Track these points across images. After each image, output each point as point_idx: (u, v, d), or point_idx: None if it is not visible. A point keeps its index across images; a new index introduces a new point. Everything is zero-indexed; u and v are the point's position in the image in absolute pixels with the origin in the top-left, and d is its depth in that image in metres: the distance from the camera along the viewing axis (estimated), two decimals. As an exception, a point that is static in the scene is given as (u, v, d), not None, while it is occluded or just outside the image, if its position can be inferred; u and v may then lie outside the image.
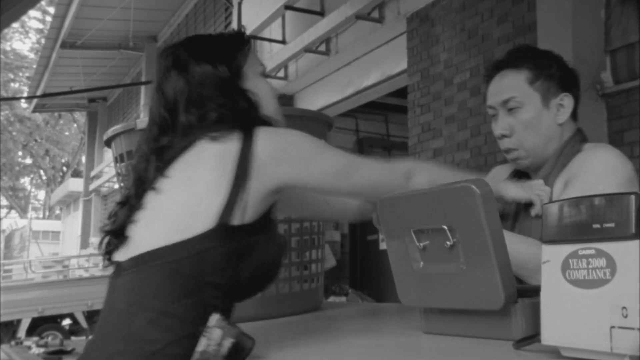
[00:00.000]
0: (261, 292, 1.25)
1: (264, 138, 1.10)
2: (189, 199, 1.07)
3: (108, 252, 1.11)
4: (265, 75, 1.27)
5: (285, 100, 7.40)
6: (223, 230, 1.04)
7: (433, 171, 1.25)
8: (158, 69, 1.21)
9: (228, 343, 0.97)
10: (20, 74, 23.38)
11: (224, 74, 1.17)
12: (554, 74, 1.44)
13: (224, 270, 1.04)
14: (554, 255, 0.84)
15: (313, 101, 7.09)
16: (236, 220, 1.06)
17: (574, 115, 1.48)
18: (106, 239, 1.12)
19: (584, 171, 1.36)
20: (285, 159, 1.11)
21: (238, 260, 1.06)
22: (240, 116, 1.14)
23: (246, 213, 1.07)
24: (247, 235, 1.07)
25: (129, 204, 1.13)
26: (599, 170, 1.33)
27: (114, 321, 1.03)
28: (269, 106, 1.23)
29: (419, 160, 1.22)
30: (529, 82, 1.42)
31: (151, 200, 1.10)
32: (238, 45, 1.22)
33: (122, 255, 1.08)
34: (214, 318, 0.99)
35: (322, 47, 6.31)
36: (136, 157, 1.20)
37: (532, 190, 1.32)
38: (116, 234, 1.11)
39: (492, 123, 1.49)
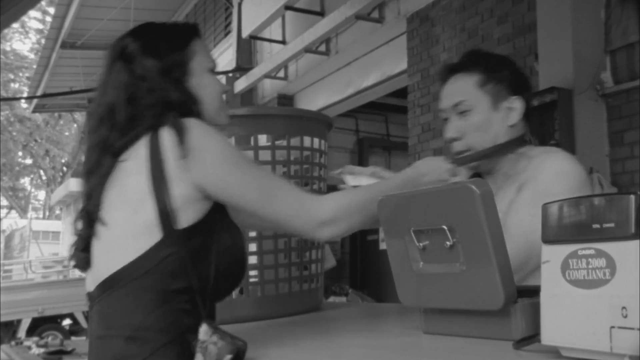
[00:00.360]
0: (239, 290, 1.26)
1: (168, 138, 1.06)
2: (129, 216, 1.07)
3: (77, 267, 1.15)
4: (214, 71, 1.25)
5: (285, 100, 7.40)
6: (171, 237, 1.04)
7: (359, 209, 1.17)
8: (105, 60, 1.20)
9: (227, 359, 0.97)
10: (20, 74, 23.38)
11: (166, 68, 1.15)
12: (504, 77, 1.46)
13: (185, 275, 1.04)
14: (553, 255, 0.84)
15: (313, 101, 7.09)
16: (181, 223, 1.05)
17: (527, 118, 1.50)
18: (74, 257, 1.16)
19: (537, 176, 1.38)
20: (198, 160, 1.06)
21: (197, 262, 1.05)
22: (165, 113, 1.11)
23: (188, 215, 1.06)
24: (198, 234, 1.06)
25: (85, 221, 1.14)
26: (551, 174, 1.35)
27: (97, 349, 1.07)
28: (211, 104, 1.21)
29: (354, 195, 1.21)
30: (479, 85, 1.45)
31: (99, 228, 1.10)
32: (188, 38, 1.21)
33: (89, 284, 1.11)
34: (203, 330, 0.99)
35: (322, 47, 6.31)
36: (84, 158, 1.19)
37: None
38: (82, 250, 1.14)
39: (444, 127, 1.51)
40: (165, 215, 1.04)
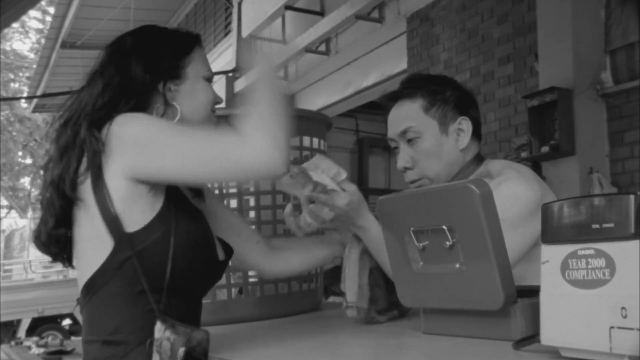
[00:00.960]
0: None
1: (107, 132, 1.06)
2: (84, 225, 1.08)
3: (52, 252, 1.15)
4: (210, 80, 1.25)
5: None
6: (123, 242, 1.04)
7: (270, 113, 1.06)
8: (101, 56, 1.20)
9: (181, 353, 0.97)
10: (20, 74, 23.37)
11: (154, 73, 1.15)
12: (448, 98, 1.43)
13: (148, 275, 1.04)
14: (553, 255, 0.84)
15: (313, 101, 7.09)
16: (132, 225, 1.05)
17: (477, 135, 1.46)
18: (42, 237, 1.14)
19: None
20: (118, 150, 1.05)
21: (157, 261, 1.05)
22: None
23: (137, 216, 1.05)
24: (154, 232, 1.06)
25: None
26: (503, 199, 1.25)
27: (83, 353, 1.10)
28: (199, 111, 1.21)
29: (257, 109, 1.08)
30: (424, 110, 1.42)
31: (74, 230, 1.11)
32: (187, 45, 1.21)
33: (79, 289, 1.12)
34: (157, 328, 0.99)
35: (322, 47, 6.31)
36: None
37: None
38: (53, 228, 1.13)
39: (395, 156, 1.48)
40: (112, 221, 1.04)
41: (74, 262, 1.15)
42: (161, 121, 1.12)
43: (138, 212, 1.05)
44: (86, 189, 1.07)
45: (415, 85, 1.45)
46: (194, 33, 1.26)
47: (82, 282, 1.10)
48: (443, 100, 1.42)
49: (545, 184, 1.43)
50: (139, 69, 1.14)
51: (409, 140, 1.42)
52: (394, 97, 1.46)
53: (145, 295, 1.04)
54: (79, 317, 1.20)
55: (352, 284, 1.34)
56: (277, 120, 1.05)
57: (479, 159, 1.45)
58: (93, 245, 1.07)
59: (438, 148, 1.41)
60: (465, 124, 1.43)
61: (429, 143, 1.41)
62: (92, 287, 1.07)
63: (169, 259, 1.05)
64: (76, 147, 1.09)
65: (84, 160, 1.07)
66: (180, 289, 1.08)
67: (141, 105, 1.13)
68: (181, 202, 1.13)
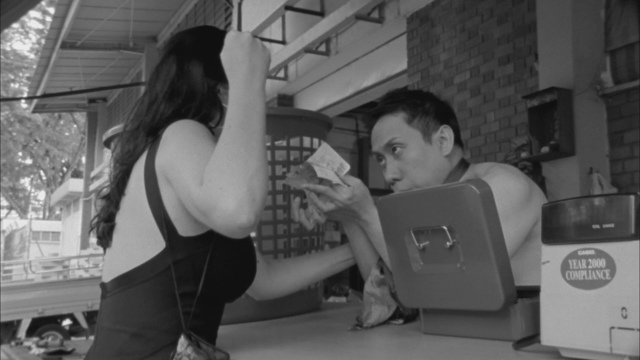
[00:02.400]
0: (245, 292, 1.24)
1: (162, 141, 1.06)
2: (134, 221, 1.09)
3: (100, 237, 1.16)
4: None
5: (285, 100, 7.40)
6: (175, 245, 1.05)
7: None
8: (162, 51, 1.22)
9: None
10: (20, 74, 23.38)
11: (211, 75, 1.15)
12: (428, 109, 1.48)
13: (192, 280, 1.05)
14: (553, 255, 0.84)
15: (313, 101, 7.09)
16: (185, 231, 1.05)
17: (458, 143, 1.52)
18: (99, 226, 1.16)
19: None
20: (161, 150, 1.05)
21: (203, 267, 1.06)
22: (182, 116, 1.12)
23: (189, 224, 1.05)
24: (204, 241, 1.06)
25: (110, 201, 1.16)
26: (495, 193, 1.32)
27: (103, 340, 1.09)
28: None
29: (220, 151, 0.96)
30: (407, 122, 1.47)
31: (118, 220, 1.13)
32: None
33: (106, 276, 1.13)
34: (180, 342, 0.99)
35: (322, 48, 6.31)
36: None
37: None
38: (106, 220, 1.15)
39: (383, 171, 1.51)
40: (164, 224, 1.05)
41: (109, 250, 1.14)
42: (197, 135, 1.05)
43: (192, 220, 1.05)
44: (139, 179, 1.08)
45: (396, 100, 1.50)
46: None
47: (117, 272, 1.09)
48: (424, 111, 1.48)
49: (531, 180, 1.46)
50: (199, 71, 1.15)
51: (395, 152, 1.47)
52: (376, 114, 1.52)
53: (186, 297, 1.05)
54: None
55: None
56: (250, 162, 0.93)
57: (464, 164, 1.51)
58: (141, 240, 1.07)
59: (423, 157, 1.45)
60: (447, 132, 1.48)
61: (414, 152, 1.45)
62: (132, 278, 1.07)
63: (220, 267, 1.07)
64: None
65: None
66: (215, 297, 1.10)
67: (202, 109, 1.15)
68: None
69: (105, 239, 1.15)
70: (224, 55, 1.07)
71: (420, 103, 1.49)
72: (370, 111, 1.54)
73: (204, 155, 0.98)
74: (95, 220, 1.18)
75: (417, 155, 1.45)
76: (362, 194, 1.38)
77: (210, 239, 1.06)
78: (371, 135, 1.53)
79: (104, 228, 1.15)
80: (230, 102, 1.01)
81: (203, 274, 1.06)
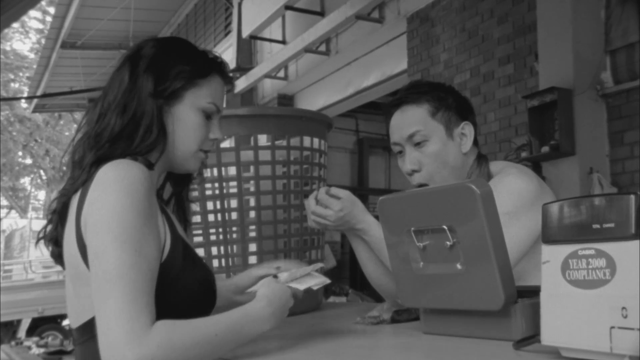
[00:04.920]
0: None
1: (94, 183, 1.00)
2: (74, 268, 1.04)
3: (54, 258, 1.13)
4: (208, 115, 1.14)
5: (285, 100, 7.40)
6: None
7: (193, 345, 0.94)
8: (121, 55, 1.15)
9: None
10: (20, 74, 23.37)
11: (159, 94, 1.09)
12: (451, 104, 1.46)
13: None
14: (553, 255, 0.84)
15: (313, 101, 7.09)
16: None
17: (475, 140, 1.50)
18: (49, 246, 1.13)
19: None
20: (90, 214, 0.99)
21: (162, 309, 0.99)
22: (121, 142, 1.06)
23: None
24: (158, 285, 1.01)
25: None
26: (504, 194, 1.31)
27: None
28: (185, 145, 1.13)
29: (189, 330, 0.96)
30: (431, 115, 1.44)
31: (65, 259, 1.08)
32: (202, 69, 1.13)
33: (71, 319, 1.08)
34: None
35: (322, 47, 6.31)
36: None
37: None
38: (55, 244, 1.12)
39: (398, 160, 1.49)
40: None
41: (67, 290, 1.09)
42: (128, 216, 0.97)
43: None
44: (72, 219, 1.05)
45: (419, 90, 1.47)
46: (219, 60, 1.18)
47: (80, 318, 1.04)
48: (447, 105, 1.45)
49: (543, 182, 1.45)
50: (149, 88, 1.09)
51: (416, 144, 1.44)
52: (397, 103, 1.47)
53: None
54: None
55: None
56: (194, 351, 0.93)
57: (483, 159, 1.49)
58: (85, 291, 1.01)
59: (444, 152, 1.43)
60: (467, 129, 1.47)
61: (436, 146, 1.43)
62: (90, 328, 0.99)
63: (174, 307, 1.02)
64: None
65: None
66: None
67: (135, 120, 1.08)
68: (185, 249, 1.10)
69: (58, 260, 1.11)
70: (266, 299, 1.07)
71: (444, 96, 1.46)
72: (393, 100, 1.49)
73: (138, 277, 0.93)
74: (42, 234, 1.12)
75: (439, 149, 1.43)
76: (352, 203, 1.40)
77: (165, 280, 1.01)
78: (390, 124, 1.49)
79: (54, 251, 1.11)
80: (239, 316, 1.03)
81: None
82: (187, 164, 1.15)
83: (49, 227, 1.12)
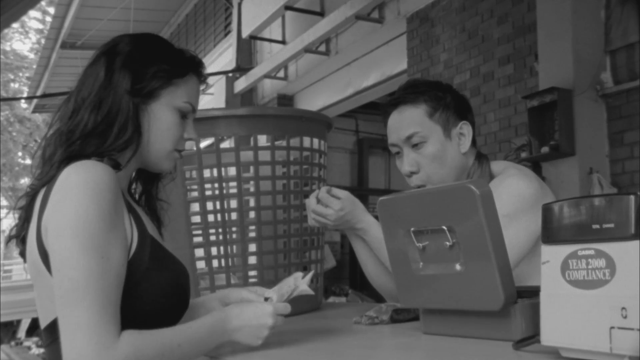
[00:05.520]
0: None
1: (57, 182, 0.99)
2: (35, 270, 1.02)
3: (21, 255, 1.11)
4: (184, 115, 1.15)
5: (285, 100, 7.40)
6: None
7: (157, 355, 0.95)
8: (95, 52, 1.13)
9: None
10: (20, 74, 23.36)
11: (136, 92, 1.08)
12: (449, 103, 1.44)
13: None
14: (553, 255, 0.84)
15: (313, 101, 7.09)
16: None
17: (473, 139, 1.48)
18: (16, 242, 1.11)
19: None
20: (51, 219, 0.97)
21: (127, 313, 0.98)
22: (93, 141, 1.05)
23: None
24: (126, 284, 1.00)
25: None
26: (504, 196, 1.31)
27: None
28: (160, 143, 1.12)
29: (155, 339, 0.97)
30: (428, 116, 1.42)
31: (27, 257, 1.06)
32: (180, 68, 1.13)
33: (40, 318, 1.06)
34: None
35: (322, 48, 6.31)
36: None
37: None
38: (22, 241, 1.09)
39: (396, 161, 1.48)
40: None
41: (34, 290, 1.05)
42: (92, 220, 0.95)
43: None
44: (34, 220, 1.03)
45: (417, 90, 1.45)
46: (197, 59, 1.17)
47: (46, 318, 1.02)
48: (445, 105, 1.44)
49: (544, 183, 1.45)
50: (126, 85, 1.07)
51: (414, 145, 1.43)
52: (395, 103, 1.46)
53: None
54: None
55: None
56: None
57: (484, 159, 1.48)
58: (47, 294, 1.00)
59: (443, 152, 1.42)
60: (466, 128, 1.45)
61: (434, 147, 1.42)
62: (54, 330, 0.97)
63: (142, 309, 1.01)
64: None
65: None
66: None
67: (110, 117, 1.07)
68: (157, 249, 1.08)
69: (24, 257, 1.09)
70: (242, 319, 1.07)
71: (442, 96, 1.44)
72: (390, 100, 1.48)
73: (105, 285, 0.93)
74: (13, 232, 1.10)
75: (437, 150, 1.42)
76: (352, 203, 1.41)
77: (130, 279, 0.99)
78: (388, 124, 1.48)
79: (22, 250, 1.08)
80: (198, 331, 1.02)
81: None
82: (161, 163, 1.15)
83: (17, 226, 1.10)
